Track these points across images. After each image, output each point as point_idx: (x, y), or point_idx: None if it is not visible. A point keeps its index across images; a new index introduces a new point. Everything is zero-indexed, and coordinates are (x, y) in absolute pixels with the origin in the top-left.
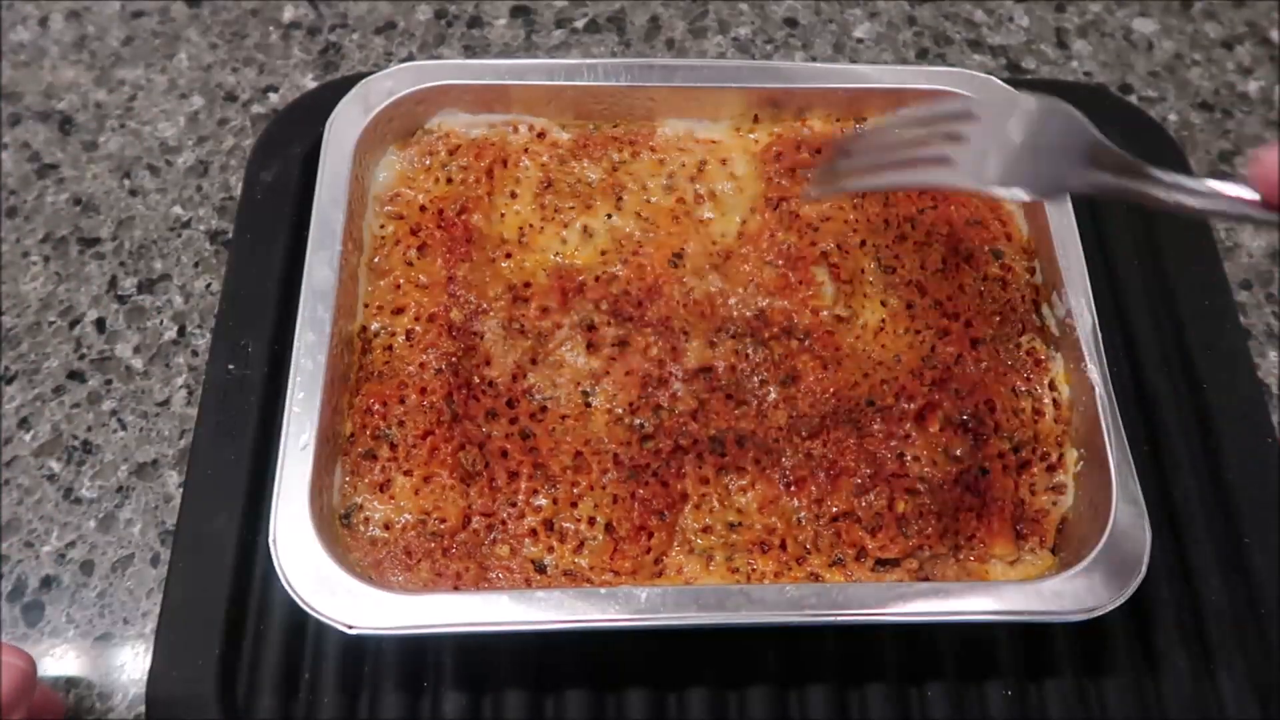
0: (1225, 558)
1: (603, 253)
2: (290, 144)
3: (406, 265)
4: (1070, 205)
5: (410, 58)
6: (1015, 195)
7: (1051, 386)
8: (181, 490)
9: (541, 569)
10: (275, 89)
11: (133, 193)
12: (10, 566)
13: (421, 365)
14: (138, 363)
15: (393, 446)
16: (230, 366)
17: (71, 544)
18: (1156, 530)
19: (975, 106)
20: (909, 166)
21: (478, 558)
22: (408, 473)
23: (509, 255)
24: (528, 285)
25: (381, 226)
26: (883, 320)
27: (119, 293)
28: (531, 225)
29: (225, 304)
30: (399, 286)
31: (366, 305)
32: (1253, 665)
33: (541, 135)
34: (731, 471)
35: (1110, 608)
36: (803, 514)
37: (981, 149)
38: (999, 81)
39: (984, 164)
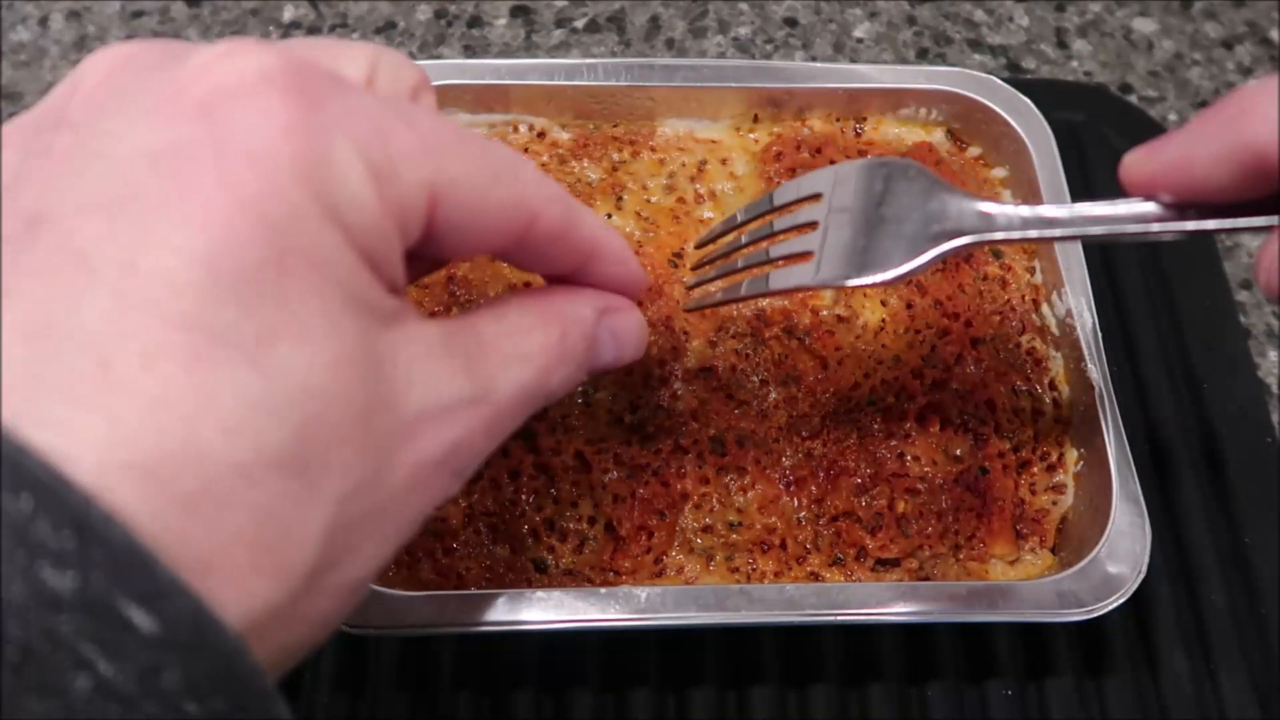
0: (1225, 558)
1: None
2: None
3: None
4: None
5: (410, 57)
6: (873, 281)
7: (1051, 386)
8: None
9: (542, 569)
10: None
11: None
12: None
13: None
14: None
15: None
16: None
17: None
18: (1156, 530)
19: (819, 183)
20: (770, 267)
21: (478, 557)
22: None
23: None
24: (528, 285)
25: None
26: (883, 320)
27: None
28: None
29: None
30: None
31: None
32: (1253, 665)
33: (541, 135)
34: (731, 471)
35: (1110, 608)
36: (803, 514)
37: (835, 233)
38: (999, 81)
39: (840, 251)
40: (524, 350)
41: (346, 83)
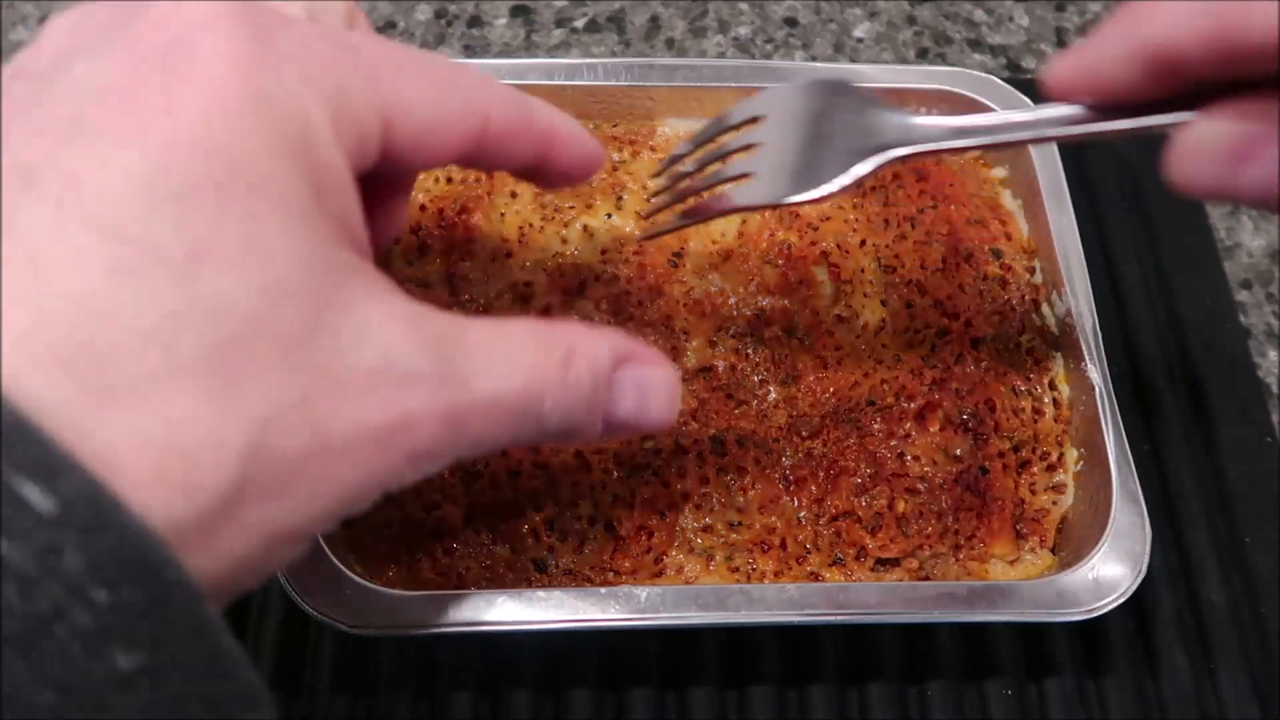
0: (1225, 558)
1: (603, 252)
2: None
3: (406, 265)
4: (1070, 205)
5: None
6: (807, 198)
7: (1051, 386)
8: None
9: (542, 568)
10: None
11: None
12: None
13: None
14: None
15: None
16: None
17: None
18: (1156, 530)
19: (762, 105)
20: (714, 190)
21: (478, 557)
22: None
23: (509, 255)
24: (528, 285)
25: None
26: (883, 320)
27: None
28: (531, 225)
29: None
30: (399, 286)
31: None
32: (1253, 665)
33: None
34: (731, 471)
35: (1110, 608)
36: (803, 513)
37: (775, 153)
38: (999, 81)
39: (779, 171)
40: (513, 360)
41: (292, 19)
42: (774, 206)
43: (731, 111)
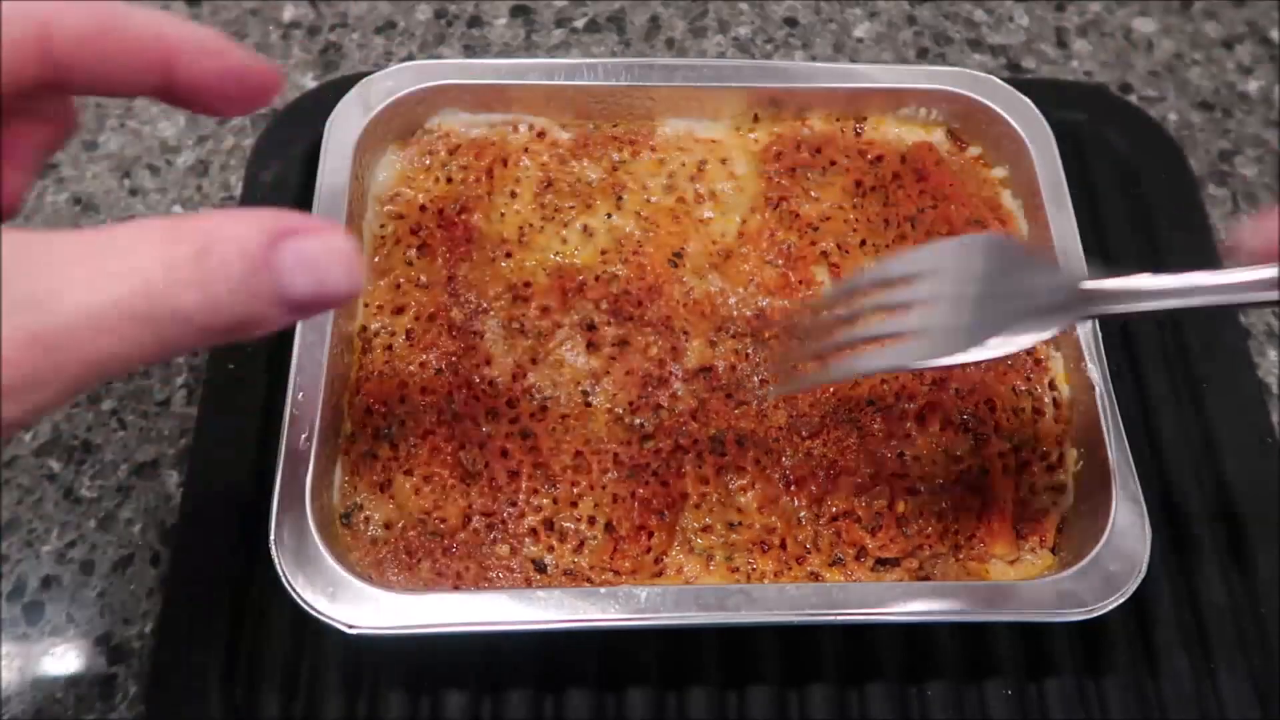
0: (1225, 558)
1: (603, 252)
2: (290, 144)
3: (406, 265)
4: (1070, 205)
5: (410, 57)
6: (981, 357)
7: (1051, 386)
8: (181, 490)
9: (542, 568)
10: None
11: (133, 192)
12: (10, 566)
13: (422, 365)
14: None
15: (393, 446)
16: (230, 366)
17: (72, 543)
18: (1156, 530)
19: (925, 261)
20: (871, 345)
21: (478, 557)
22: (408, 472)
23: (509, 255)
24: (528, 285)
25: (381, 226)
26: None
27: None
28: (531, 225)
29: None
30: (399, 286)
31: (366, 305)
32: (1253, 665)
33: (541, 135)
34: (731, 471)
35: (1110, 607)
36: (803, 513)
37: (940, 312)
38: (999, 81)
39: (946, 330)
40: (120, 266)
41: None
42: (936, 368)
43: (873, 269)
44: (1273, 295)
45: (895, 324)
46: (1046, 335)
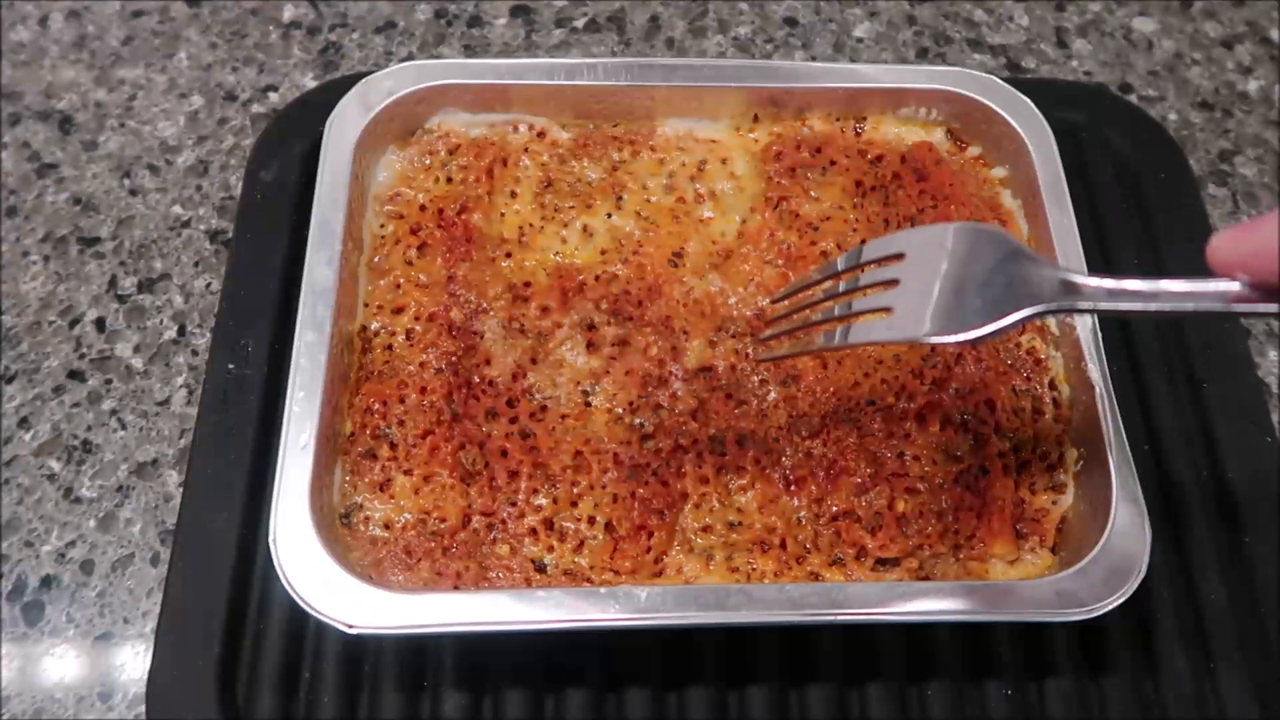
0: (1225, 558)
1: (603, 252)
2: (290, 143)
3: (406, 265)
4: (1070, 205)
5: (410, 57)
6: (954, 340)
7: (1051, 386)
8: (181, 490)
9: (541, 568)
10: (275, 88)
11: (133, 192)
12: (10, 566)
13: (421, 365)
14: (138, 362)
15: (393, 446)
16: (230, 366)
17: (71, 543)
18: (1156, 530)
19: (905, 243)
20: (849, 321)
21: (478, 557)
22: (408, 472)
23: (509, 255)
24: (528, 285)
25: (381, 226)
26: None
27: (119, 292)
28: (531, 225)
29: (225, 303)
30: (399, 286)
31: (366, 305)
32: (1253, 665)
33: (541, 135)
34: (731, 471)
35: (1110, 607)
36: (803, 513)
37: (917, 291)
38: (999, 81)
39: (921, 308)
40: None
41: None
42: (911, 342)
43: (871, 244)
44: (1235, 308)
45: (872, 301)
46: (1017, 320)
